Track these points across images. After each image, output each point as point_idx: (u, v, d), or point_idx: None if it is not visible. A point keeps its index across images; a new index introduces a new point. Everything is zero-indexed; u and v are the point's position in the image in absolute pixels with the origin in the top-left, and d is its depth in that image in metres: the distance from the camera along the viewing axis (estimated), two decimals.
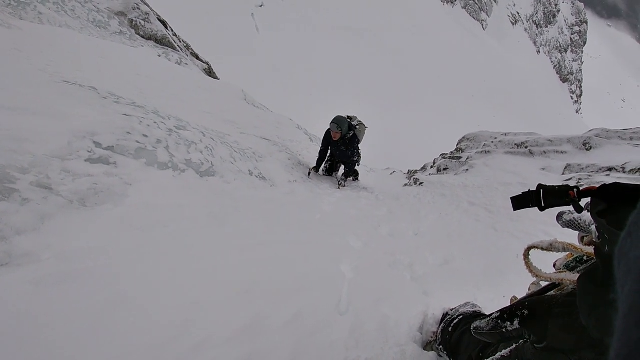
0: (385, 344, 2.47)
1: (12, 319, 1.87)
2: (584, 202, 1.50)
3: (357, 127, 8.65)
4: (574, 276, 1.66)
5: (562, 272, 1.81)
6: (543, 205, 1.59)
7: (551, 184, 1.61)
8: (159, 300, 2.32)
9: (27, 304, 1.99)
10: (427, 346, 2.64)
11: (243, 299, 2.58)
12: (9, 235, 2.42)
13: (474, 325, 1.83)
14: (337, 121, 8.12)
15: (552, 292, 1.80)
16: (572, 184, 8.29)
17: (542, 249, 1.82)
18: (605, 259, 1.14)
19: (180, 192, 4.17)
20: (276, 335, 2.30)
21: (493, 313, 1.75)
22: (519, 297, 2.11)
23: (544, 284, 1.93)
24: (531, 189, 1.65)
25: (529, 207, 1.65)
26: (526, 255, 1.87)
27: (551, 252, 1.82)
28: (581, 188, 1.49)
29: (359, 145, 8.90)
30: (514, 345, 1.72)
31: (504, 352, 1.77)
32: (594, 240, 1.51)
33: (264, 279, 2.93)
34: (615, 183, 1.16)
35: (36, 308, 1.99)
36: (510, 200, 1.73)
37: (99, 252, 2.62)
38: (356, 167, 9.36)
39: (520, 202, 1.67)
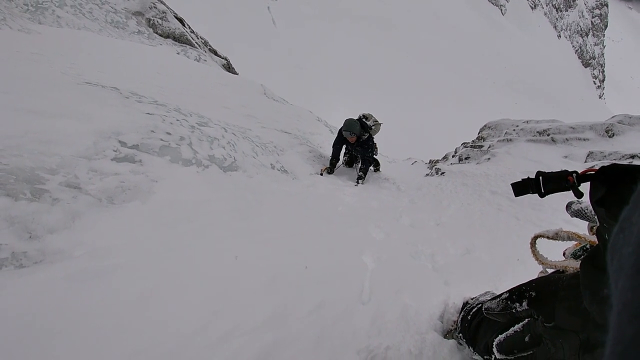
0: (406, 332, 2.50)
1: (47, 314, 1.94)
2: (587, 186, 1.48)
3: (373, 127, 8.50)
4: (576, 263, 1.69)
5: (568, 260, 1.85)
6: (543, 191, 1.59)
7: (551, 171, 1.61)
8: (187, 292, 2.37)
9: (61, 299, 2.06)
10: (447, 334, 2.66)
11: (267, 290, 2.63)
12: (41, 233, 2.50)
13: (485, 306, 1.85)
14: (348, 127, 7.91)
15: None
16: None
17: (548, 237, 1.85)
18: (607, 245, 1.13)
19: (205, 187, 4.23)
20: (300, 324, 2.35)
21: (503, 293, 1.78)
22: None
23: (550, 271, 1.96)
24: (530, 176, 1.65)
25: (530, 193, 1.65)
26: (533, 243, 1.90)
27: (558, 241, 1.85)
28: (580, 171, 1.49)
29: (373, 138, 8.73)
30: (526, 321, 1.75)
31: (517, 327, 1.80)
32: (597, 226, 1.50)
33: (287, 271, 2.97)
34: (614, 164, 1.14)
35: (70, 303, 2.05)
36: (510, 186, 1.74)
37: (128, 248, 2.69)
38: (376, 157, 9.20)
39: (521, 188, 1.67)
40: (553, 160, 9.34)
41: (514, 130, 12.36)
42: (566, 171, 1.53)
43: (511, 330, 1.83)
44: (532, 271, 3.37)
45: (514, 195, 1.71)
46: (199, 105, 7.76)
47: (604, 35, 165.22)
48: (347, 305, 2.68)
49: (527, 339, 1.73)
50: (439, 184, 8.11)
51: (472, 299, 2.76)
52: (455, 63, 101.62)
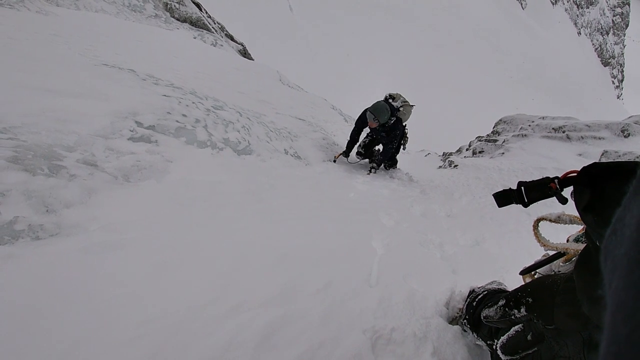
0: (411, 316, 2.52)
1: (61, 284, 1.98)
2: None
3: (401, 108, 7.41)
4: (577, 245, 1.70)
5: (569, 242, 1.87)
6: (526, 200, 1.59)
7: (531, 179, 1.61)
8: (199, 268, 2.41)
9: (75, 271, 2.11)
10: (452, 321, 2.68)
11: (277, 268, 2.66)
12: (58, 208, 2.55)
13: (484, 314, 1.88)
14: (375, 110, 6.90)
15: (559, 261, 1.85)
16: None
17: (550, 220, 1.87)
18: (597, 249, 1.13)
19: (219, 169, 4.27)
20: (307, 301, 2.38)
21: (499, 300, 1.79)
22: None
23: (552, 253, 1.98)
24: (512, 187, 1.65)
25: (513, 203, 1.65)
26: (535, 226, 1.92)
27: (560, 224, 1.87)
28: (560, 175, 1.48)
29: (405, 125, 7.70)
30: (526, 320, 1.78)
31: (517, 326, 1.82)
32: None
33: (297, 251, 3.00)
34: (595, 163, 1.14)
35: (83, 274, 2.10)
36: (492, 197, 1.74)
37: (142, 223, 2.74)
38: (403, 144, 8.14)
39: (503, 199, 1.69)
40: (567, 158, 9.28)
41: (529, 125, 12.27)
42: (548, 178, 1.53)
43: (512, 331, 1.85)
44: None
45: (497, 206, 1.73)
46: (214, 89, 7.80)
47: (624, 35, 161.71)
48: (355, 287, 2.70)
49: (529, 337, 1.76)
50: (451, 177, 8.10)
51: (478, 287, 2.77)
52: (473, 56, 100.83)
